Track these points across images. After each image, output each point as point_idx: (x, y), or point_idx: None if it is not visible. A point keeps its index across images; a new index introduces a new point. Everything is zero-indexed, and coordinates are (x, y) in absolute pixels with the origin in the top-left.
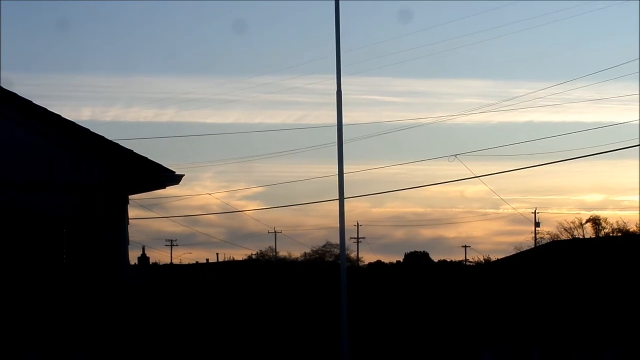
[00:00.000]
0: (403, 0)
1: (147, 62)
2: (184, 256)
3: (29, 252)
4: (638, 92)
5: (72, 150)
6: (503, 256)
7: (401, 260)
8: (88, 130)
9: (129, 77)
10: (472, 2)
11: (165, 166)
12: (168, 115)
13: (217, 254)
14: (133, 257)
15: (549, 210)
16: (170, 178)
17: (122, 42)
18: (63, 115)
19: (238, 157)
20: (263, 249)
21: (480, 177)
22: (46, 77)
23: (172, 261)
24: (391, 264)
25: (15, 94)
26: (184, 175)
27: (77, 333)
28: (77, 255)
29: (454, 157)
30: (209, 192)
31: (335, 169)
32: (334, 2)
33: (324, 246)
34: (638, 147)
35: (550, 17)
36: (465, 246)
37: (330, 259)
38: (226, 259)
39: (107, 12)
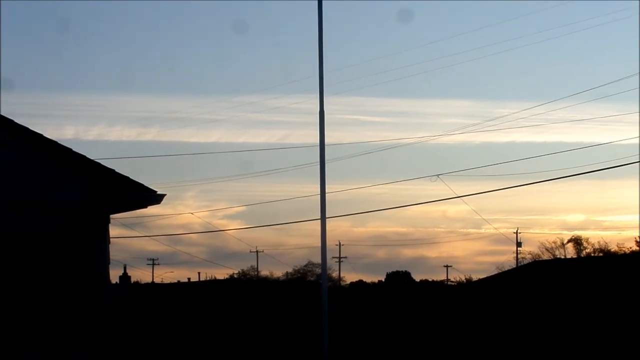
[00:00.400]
0: (387, 21)
1: (130, 81)
2: (166, 275)
3: (7, 271)
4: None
5: (54, 169)
6: (485, 276)
7: (383, 280)
8: (70, 149)
9: (113, 96)
10: (455, 23)
11: (147, 186)
12: (151, 134)
13: (199, 273)
14: (114, 276)
15: (531, 230)
16: (152, 198)
17: (106, 61)
18: (45, 135)
19: (221, 177)
20: (245, 268)
21: (462, 197)
22: (29, 96)
23: (154, 280)
24: (373, 283)
25: None
26: (165, 194)
27: (56, 354)
28: (58, 274)
29: (437, 177)
30: (191, 212)
31: (317, 189)
32: (317, 22)
33: (305, 265)
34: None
35: (533, 38)
36: (447, 266)
37: (312, 279)
38: (208, 278)
39: (90, 30)
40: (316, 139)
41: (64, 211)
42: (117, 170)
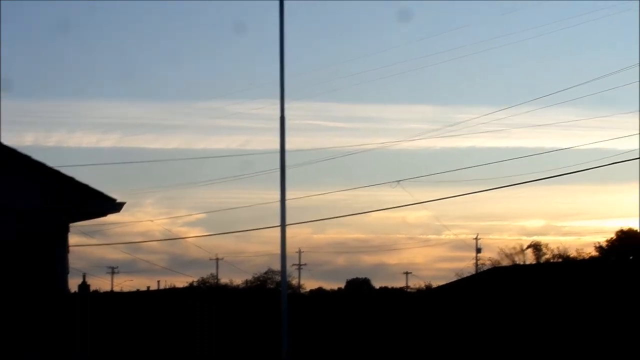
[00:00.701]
0: (348, 25)
1: (90, 87)
2: (125, 284)
3: None
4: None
5: (13, 176)
6: (444, 282)
7: (343, 287)
8: (29, 157)
9: (73, 102)
10: (415, 27)
11: (107, 194)
12: (111, 140)
13: (159, 281)
14: (73, 284)
15: (491, 236)
16: (111, 206)
17: (65, 67)
18: (4, 142)
19: (180, 183)
20: (205, 276)
21: (422, 203)
22: None
23: (113, 289)
24: (333, 290)
25: None
26: (125, 203)
27: None
28: (16, 282)
29: (397, 183)
30: (151, 219)
31: (278, 196)
32: (278, 26)
33: (265, 273)
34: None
35: (494, 42)
36: (407, 273)
37: (272, 286)
38: (168, 287)
39: (48, 37)
40: (277, 145)
41: (22, 219)
42: (76, 179)
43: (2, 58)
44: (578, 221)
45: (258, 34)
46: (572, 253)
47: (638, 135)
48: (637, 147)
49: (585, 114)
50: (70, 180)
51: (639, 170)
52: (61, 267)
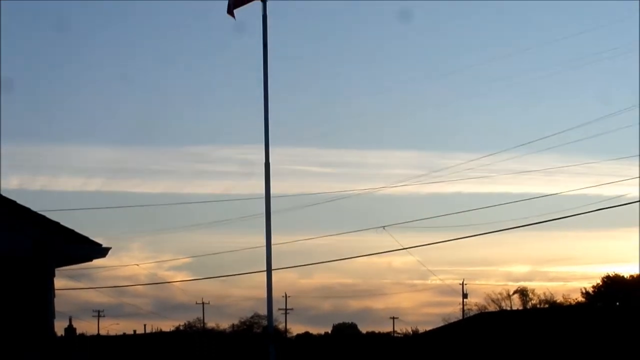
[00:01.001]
0: (332, 72)
1: (76, 131)
2: (112, 327)
3: None
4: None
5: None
6: (431, 327)
7: (329, 332)
8: (14, 201)
9: (58, 146)
10: (400, 74)
11: (93, 239)
12: (96, 184)
13: (145, 325)
14: (60, 328)
15: (477, 282)
16: (97, 251)
17: (50, 111)
18: None
19: (166, 228)
20: (191, 320)
21: (408, 249)
22: None
23: (100, 332)
24: (319, 335)
25: None
26: (110, 248)
27: None
28: (1, 327)
29: (382, 228)
30: (137, 263)
31: (263, 240)
32: (262, 72)
33: (252, 317)
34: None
35: (478, 89)
36: (394, 318)
37: (259, 330)
38: (154, 331)
39: (33, 80)
40: (262, 190)
41: (7, 264)
42: (62, 223)
43: None
44: (564, 267)
45: (243, 80)
46: (559, 299)
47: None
48: (622, 194)
49: (571, 160)
50: (56, 225)
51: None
52: (47, 311)
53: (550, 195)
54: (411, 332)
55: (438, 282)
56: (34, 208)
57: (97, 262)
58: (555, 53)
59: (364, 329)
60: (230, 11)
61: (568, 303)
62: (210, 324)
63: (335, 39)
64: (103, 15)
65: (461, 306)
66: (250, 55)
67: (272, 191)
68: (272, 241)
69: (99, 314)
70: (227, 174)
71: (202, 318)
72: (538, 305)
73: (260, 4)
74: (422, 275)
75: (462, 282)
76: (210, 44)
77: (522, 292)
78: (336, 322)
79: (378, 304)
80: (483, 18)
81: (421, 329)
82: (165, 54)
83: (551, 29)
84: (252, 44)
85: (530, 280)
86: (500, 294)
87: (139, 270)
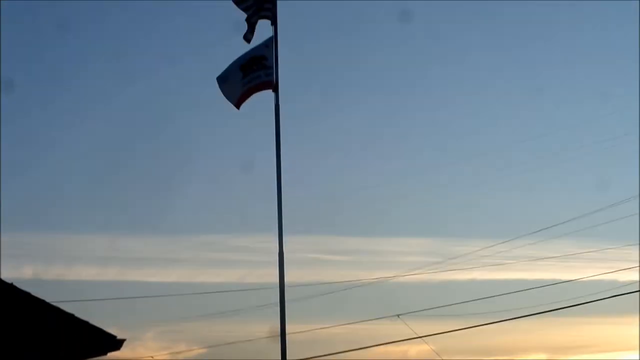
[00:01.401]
0: (343, 161)
1: (91, 220)
2: None
3: None
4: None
5: (12, 315)
6: None
7: None
8: (29, 293)
9: (72, 235)
10: (413, 161)
11: (107, 330)
12: (110, 274)
13: None
14: None
15: None
16: (112, 344)
17: (65, 200)
18: (3, 276)
19: (179, 317)
20: None
21: (423, 337)
22: None
23: None
24: None
25: None
26: (125, 339)
27: None
28: None
29: (397, 317)
30: (152, 355)
31: (277, 330)
32: (275, 163)
33: None
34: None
35: (493, 175)
36: None
37: None
38: None
39: (43, 169)
40: (276, 278)
41: (21, 358)
42: (76, 315)
43: None
44: (580, 354)
45: (257, 170)
46: None
47: (638, 268)
48: (637, 279)
49: (586, 246)
50: (71, 318)
51: None
52: None
53: (566, 281)
54: None
55: None
56: (48, 299)
57: (111, 354)
58: (570, 139)
59: None
60: (238, 103)
61: None
62: None
63: (349, 127)
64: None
65: None
66: (266, 144)
67: (286, 279)
68: (287, 330)
69: None
70: (241, 262)
71: None
72: None
73: (271, 91)
74: None
75: None
76: (224, 138)
77: None
78: None
79: None
80: (505, 106)
81: None
82: (180, 146)
83: (564, 116)
84: (266, 133)
85: None
86: None
87: None
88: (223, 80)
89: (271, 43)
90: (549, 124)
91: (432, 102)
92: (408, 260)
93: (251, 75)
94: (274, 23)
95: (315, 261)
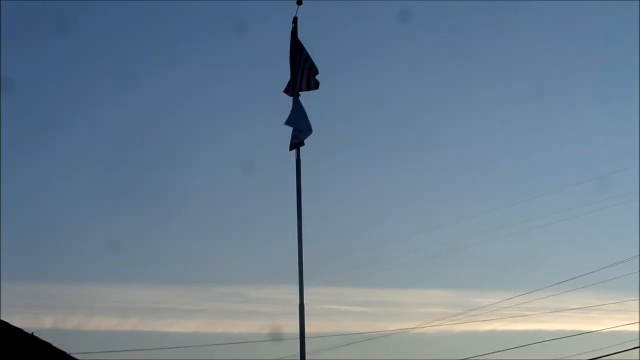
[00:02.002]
0: (364, 210)
1: (109, 271)
2: None
3: None
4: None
5: None
6: None
7: None
8: (50, 344)
9: (92, 286)
10: (434, 211)
11: None
12: (131, 324)
13: None
14: None
15: None
16: None
17: (86, 254)
18: (24, 326)
19: None
20: None
21: None
22: (6, 286)
23: None
24: None
25: None
26: None
27: None
28: None
29: None
30: None
31: None
32: (297, 217)
33: None
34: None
35: (512, 229)
36: None
37: None
38: None
39: (62, 221)
40: (296, 329)
41: None
42: None
43: None
44: None
45: (276, 222)
46: None
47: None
48: None
49: (606, 298)
50: None
51: None
52: None
53: (586, 332)
54: None
55: None
56: (68, 350)
57: None
58: (588, 193)
59: None
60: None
61: None
62: None
63: (371, 179)
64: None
65: None
66: (287, 196)
67: (308, 330)
68: None
69: None
70: (260, 313)
71: None
72: None
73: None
74: None
75: None
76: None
77: None
78: None
79: None
80: (527, 154)
81: None
82: (200, 196)
83: (583, 169)
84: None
85: None
86: None
87: None
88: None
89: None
90: (571, 177)
91: (449, 153)
92: (428, 311)
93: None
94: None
95: (336, 312)
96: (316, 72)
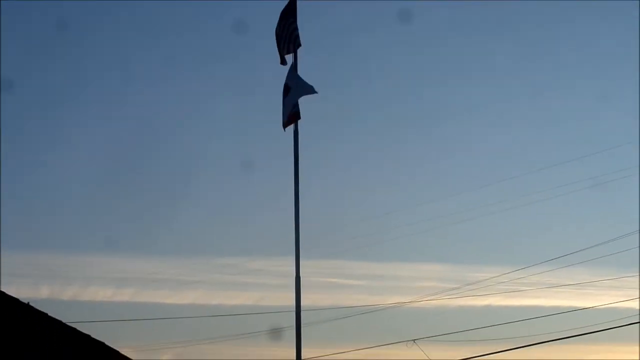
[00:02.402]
0: (362, 184)
1: (107, 241)
2: None
3: None
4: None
5: (29, 334)
6: None
7: None
8: (45, 314)
9: (88, 257)
10: (431, 185)
11: (122, 352)
12: (126, 295)
13: None
14: None
15: None
16: None
17: (82, 221)
18: (20, 296)
19: (195, 339)
20: None
21: None
22: (1, 255)
23: None
24: None
25: None
26: None
27: None
28: None
29: (413, 342)
30: None
31: (293, 354)
32: (294, 187)
33: None
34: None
35: (508, 204)
36: None
37: None
38: None
39: (60, 192)
40: (292, 302)
41: None
42: (92, 336)
43: None
44: None
45: (274, 195)
46: None
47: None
48: None
49: (602, 274)
50: (87, 338)
51: None
52: None
53: (582, 309)
54: None
55: None
56: (64, 319)
57: None
58: (588, 168)
59: None
60: (288, 123)
61: None
62: None
63: (369, 153)
64: None
65: None
66: (285, 168)
67: (303, 303)
68: (303, 355)
69: None
70: (256, 285)
71: None
72: None
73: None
74: None
75: None
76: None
77: None
78: None
79: None
80: (524, 132)
81: None
82: (198, 171)
83: (586, 144)
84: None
85: None
86: None
87: None
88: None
89: (293, 71)
90: (567, 153)
91: (448, 128)
92: (424, 285)
93: (286, 104)
94: (294, 51)
95: (331, 285)
96: (299, 45)
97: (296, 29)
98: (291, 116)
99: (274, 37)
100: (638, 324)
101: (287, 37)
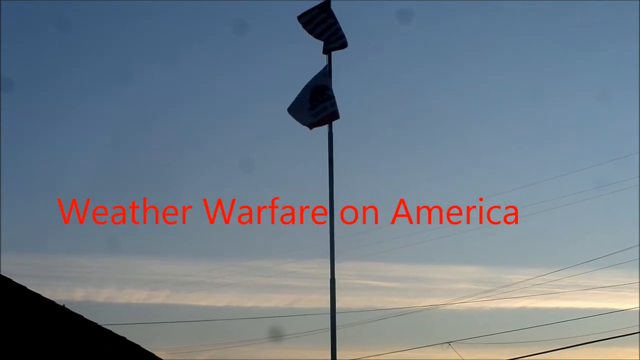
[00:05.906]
0: (394, 194)
1: (141, 244)
2: None
3: None
4: (639, 279)
5: (65, 337)
6: None
7: None
8: (81, 316)
9: (123, 259)
10: (466, 187)
11: (157, 354)
12: (161, 297)
13: None
14: None
15: None
16: None
17: (119, 227)
18: (55, 299)
19: (229, 342)
20: None
21: None
22: (36, 257)
23: None
24: None
25: (6, 278)
26: None
27: None
28: None
29: (448, 344)
30: None
31: (328, 355)
32: (328, 188)
33: None
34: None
35: (545, 205)
36: None
37: None
38: None
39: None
40: (327, 304)
41: None
42: (128, 338)
43: None
44: None
45: (310, 196)
46: None
47: None
48: None
49: (637, 276)
50: (122, 341)
51: None
52: None
53: (617, 311)
54: None
55: None
56: (99, 322)
57: None
58: (618, 173)
59: None
60: (321, 123)
61: None
62: None
63: (400, 154)
64: None
65: None
66: (320, 168)
67: (337, 306)
68: (337, 357)
69: None
70: (291, 287)
71: None
72: None
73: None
74: None
75: None
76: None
77: None
78: None
79: None
80: (556, 135)
81: None
82: (232, 177)
83: (618, 145)
84: (319, 160)
85: None
86: None
87: None
88: (294, 111)
89: (328, 72)
90: (603, 155)
91: (481, 129)
92: (459, 287)
93: (319, 107)
94: (328, 52)
95: (367, 287)
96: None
97: (340, 29)
98: (326, 117)
99: (307, 23)
100: None
101: (331, 34)
